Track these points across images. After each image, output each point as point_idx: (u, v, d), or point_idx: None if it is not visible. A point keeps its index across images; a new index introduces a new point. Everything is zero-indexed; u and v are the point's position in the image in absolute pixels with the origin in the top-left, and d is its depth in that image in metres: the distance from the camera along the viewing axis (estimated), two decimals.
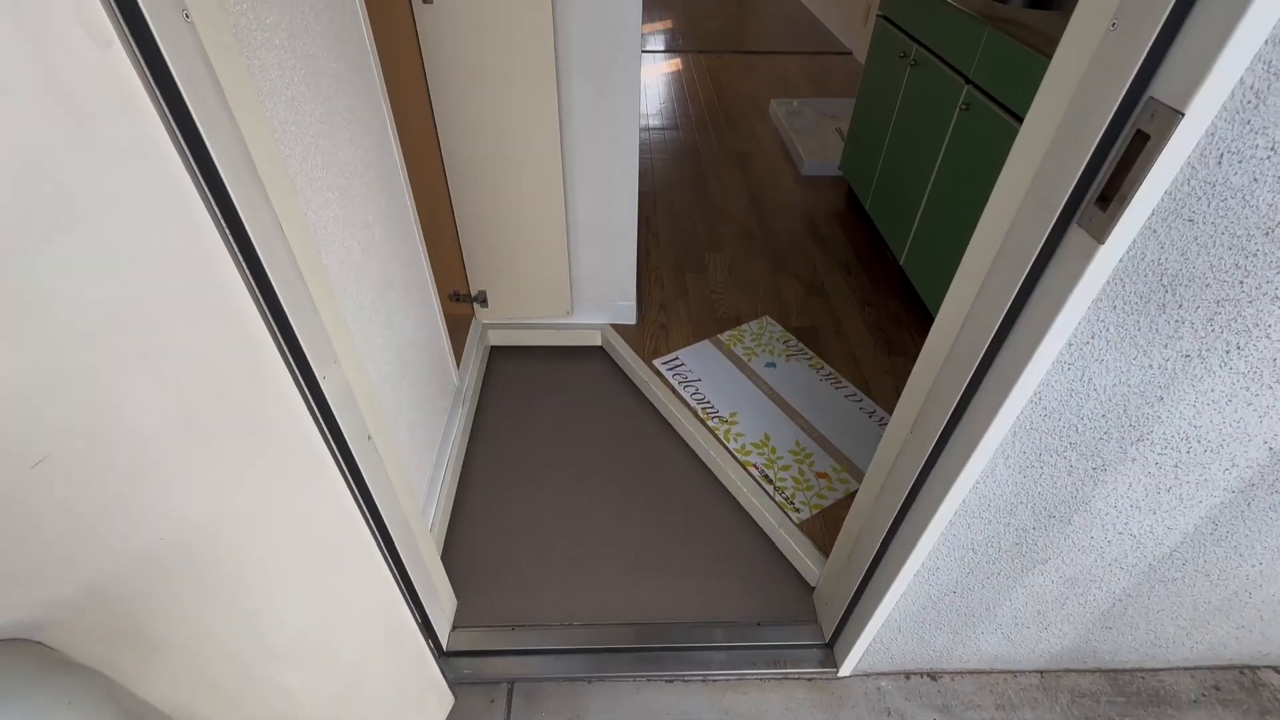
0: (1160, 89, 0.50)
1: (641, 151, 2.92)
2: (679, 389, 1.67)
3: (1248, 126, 0.50)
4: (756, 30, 4.63)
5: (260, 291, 0.58)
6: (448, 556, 1.35)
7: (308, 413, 0.66)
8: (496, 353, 1.87)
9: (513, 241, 1.61)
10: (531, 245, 1.62)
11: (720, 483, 1.51)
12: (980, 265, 0.71)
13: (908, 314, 1.98)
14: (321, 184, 0.86)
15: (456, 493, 1.47)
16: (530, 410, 1.69)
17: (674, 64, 4.00)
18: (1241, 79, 0.48)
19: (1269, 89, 0.48)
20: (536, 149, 1.44)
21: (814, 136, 2.90)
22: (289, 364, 0.62)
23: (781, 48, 4.27)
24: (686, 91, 3.61)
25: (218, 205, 0.52)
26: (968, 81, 1.60)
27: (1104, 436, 0.76)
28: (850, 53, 4.21)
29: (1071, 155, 0.55)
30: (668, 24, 4.73)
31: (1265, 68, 0.47)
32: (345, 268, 0.94)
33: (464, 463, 1.54)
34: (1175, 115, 0.48)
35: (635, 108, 1.43)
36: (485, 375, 1.79)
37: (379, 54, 1.07)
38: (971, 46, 1.58)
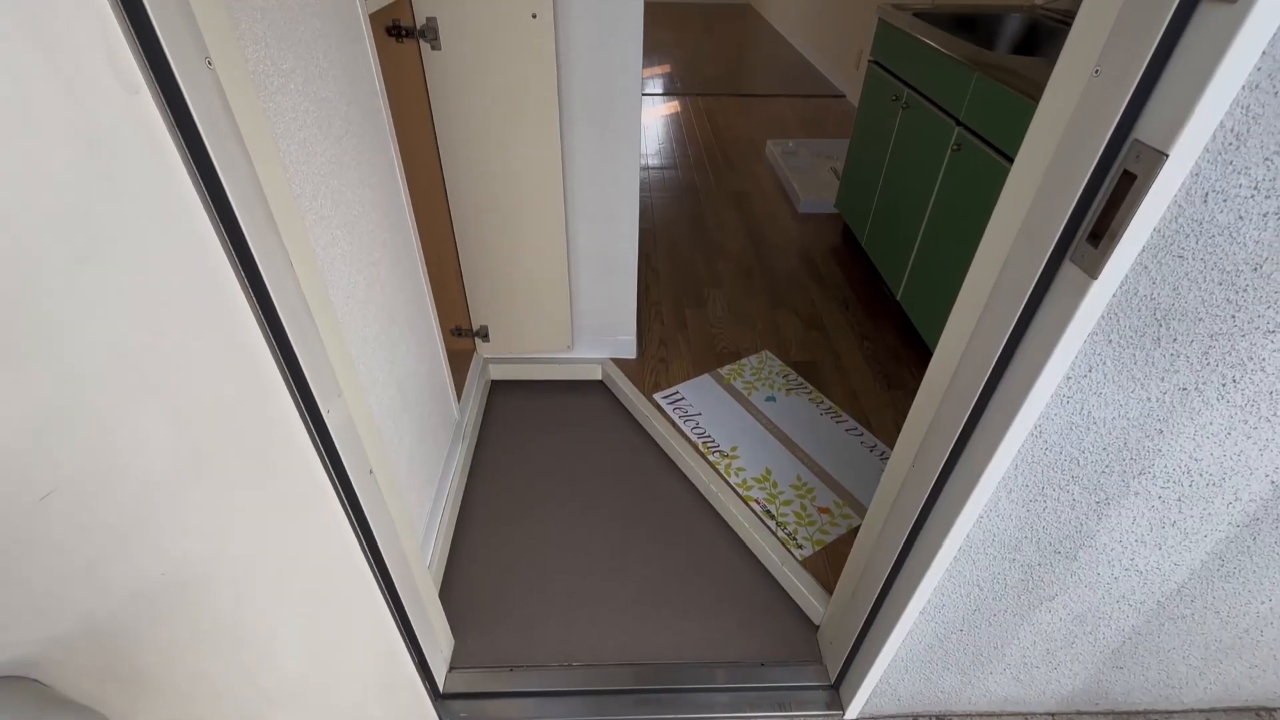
0: (1144, 131, 0.52)
1: (642, 190, 2.97)
2: (679, 423, 1.67)
3: (1230, 167, 0.52)
4: (752, 74, 4.78)
5: (269, 326, 0.59)
6: (445, 594, 1.33)
7: (311, 446, 0.66)
8: (497, 387, 1.87)
9: (515, 278, 1.64)
10: (533, 281, 1.64)
11: (722, 518, 1.49)
12: (976, 300, 0.72)
13: (906, 349, 1.99)
14: (330, 221, 0.88)
15: (455, 528, 1.46)
16: (530, 445, 1.68)
17: (673, 106, 4.11)
18: (1221, 122, 0.50)
19: (1249, 131, 0.50)
20: (540, 188, 1.48)
21: (810, 175, 2.96)
22: (294, 397, 0.63)
23: (777, 91, 4.40)
24: (685, 133, 3.71)
25: (231, 242, 0.53)
26: (958, 123, 1.65)
27: (1106, 470, 0.76)
28: (843, 95, 4.34)
29: (1061, 194, 0.57)
30: (666, 68, 4.88)
31: (1244, 111, 0.49)
32: (350, 303, 0.95)
33: (463, 498, 1.53)
34: (1160, 157, 0.50)
35: (636, 149, 1.47)
36: (486, 409, 1.79)
37: (388, 97, 1.11)
38: (961, 90, 1.64)
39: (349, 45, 0.95)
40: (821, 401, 1.77)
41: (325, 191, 0.86)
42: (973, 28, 2.07)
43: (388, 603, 0.88)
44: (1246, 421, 0.71)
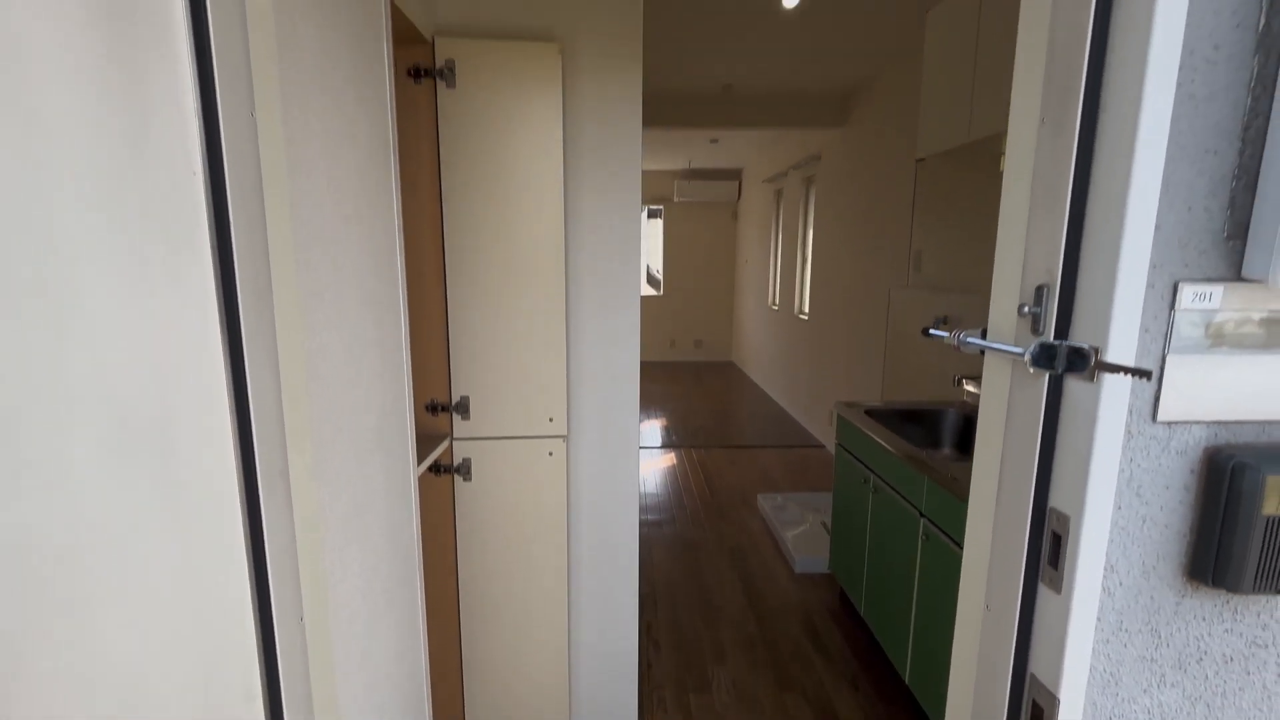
0: (1036, 666, 0.64)
1: (641, 546, 3.10)
2: None
3: (1118, 698, 0.64)
4: (738, 426, 5.38)
5: None
6: None
7: None
8: None
9: (516, 680, 1.63)
10: (535, 688, 1.64)
11: None
12: None
13: None
14: (353, 680, 0.96)
15: None
16: None
17: (669, 459, 4.54)
18: (1092, 665, 0.63)
19: (1119, 671, 0.63)
20: (546, 591, 1.59)
21: (801, 531, 3.13)
22: None
23: (761, 442, 4.91)
24: (680, 484, 4.02)
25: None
26: (921, 514, 1.85)
27: None
28: (823, 446, 4.82)
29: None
30: (662, 421, 5.52)
31: (1106, 659, 0.63)
32: None
33: None
34: (1054, 698, 0.62)
35: (634, 571, 1.64)
36: None
37: (421, 520, 1.30)
38: (917, 487, 1.88)
39: (402, 508, 1.17)
40: None
41: (356, 652, 0.96)
42: (919, 420, 2.46)
43: None
44: None
